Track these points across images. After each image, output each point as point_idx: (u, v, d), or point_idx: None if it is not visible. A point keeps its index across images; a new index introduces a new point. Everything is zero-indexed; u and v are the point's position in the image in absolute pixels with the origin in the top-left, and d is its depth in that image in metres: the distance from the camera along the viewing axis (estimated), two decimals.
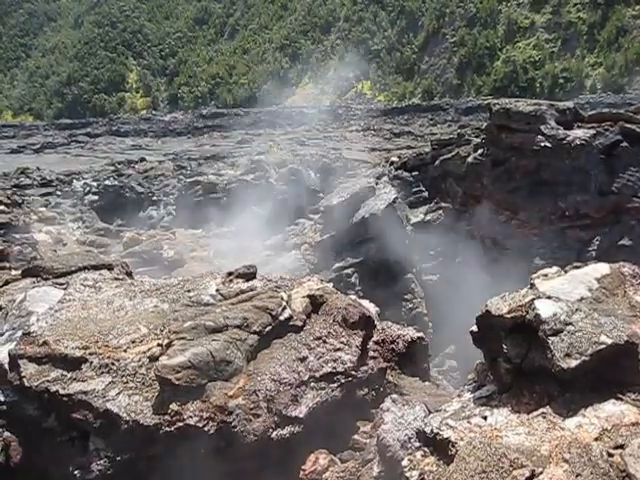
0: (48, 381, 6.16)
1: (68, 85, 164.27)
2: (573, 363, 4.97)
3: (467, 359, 8.92)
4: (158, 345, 6.31)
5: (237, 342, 6.21)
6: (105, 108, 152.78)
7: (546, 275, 6.22)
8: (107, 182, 30.72)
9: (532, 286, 5.98)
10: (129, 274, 9.05)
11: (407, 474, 5.23)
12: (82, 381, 6.12)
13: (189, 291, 7.42)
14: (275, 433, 5.86)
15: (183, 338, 6.19)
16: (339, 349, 6.63)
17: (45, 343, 6.48)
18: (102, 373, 6.18)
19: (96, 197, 29.54)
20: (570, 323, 5.23)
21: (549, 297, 5.61)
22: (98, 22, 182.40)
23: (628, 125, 16.43)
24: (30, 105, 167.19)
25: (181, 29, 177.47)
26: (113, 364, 6.22)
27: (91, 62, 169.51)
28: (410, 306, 18.40)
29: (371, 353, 7.30)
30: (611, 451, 4.53)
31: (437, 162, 20.32)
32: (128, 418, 5.74)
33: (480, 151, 18.02)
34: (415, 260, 19.23)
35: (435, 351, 16.33)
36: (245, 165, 28.53)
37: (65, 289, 7.83)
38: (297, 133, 64.14)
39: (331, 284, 7.85)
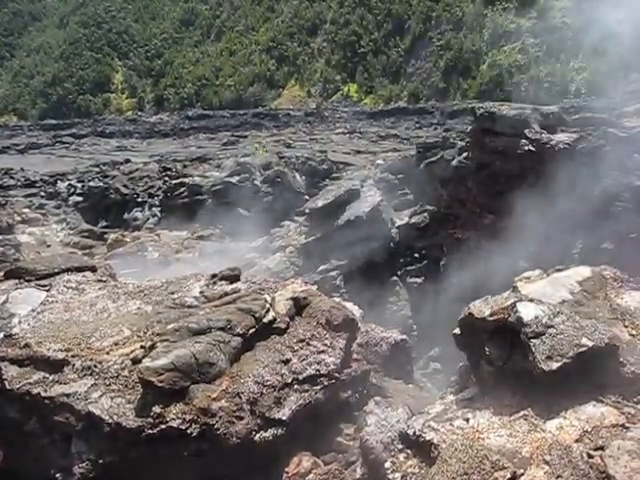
0: (30, 383, 6.13)
1: (53, 85, 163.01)
2: (554, 365, 5.02)
3: (451, 361, 8.95)
4: (141, 347, 6.29)
5: (220, 344, 6.20)
6: (90, 109, 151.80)
7: (529, 278, 6.27)
8: (92, 183, 30.55)
9: (514, 289, 6.02)
10: (113, 276, 9.02)
11: (390, 476, 5.26)
12: (64, 383, 6.09)
13: (173, 293, 7.41)
14: (258, 435, 5.86)
15: (166, 340, 6.17)
16: (322, 351, 6.63)
17: (27, 345, 6.45)
18: (84, 375, 6.15)
19: (80, 198, 29.36)
20: (552, 326, 5.28)
21: (531, 300, 5.66)
22: (83, 22, 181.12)
23: (611, 129, 16.53)
24: (14, 105, 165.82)
25: (167, 30, 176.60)
26: (95, 366, 6.20)
27: (76, 62, 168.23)
28: (395, 308, 18.42)
29: (355, 355, 7.31)
30: (591, 452, 4.57)
31: (422, 165, 20.36)
32: (110, 421, 5.72)
33: (465, 155, 18.08)
34: (400, 262, 19.25)
35: (419, 353, 16.35)
36: (230, 167, 28.40)
37: (48, 291, 7.79)
38: (283, 135, 63.99)
39: (315, 286, 7.86)
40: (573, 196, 16.19)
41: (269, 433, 5.91)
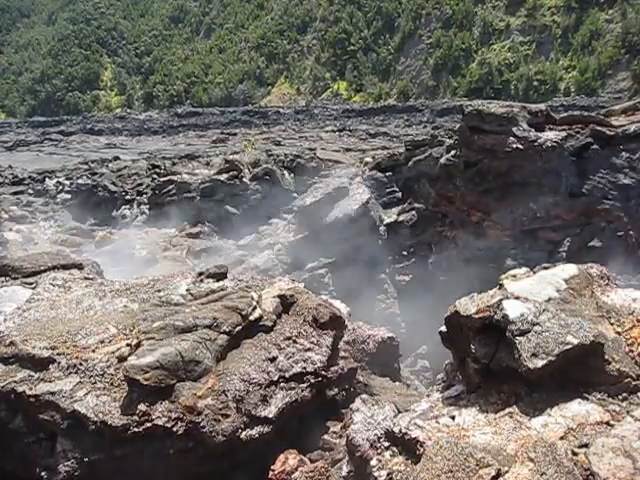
0: (15, 382, 6.09)
1: (41, 82, 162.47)
2: (540, 363, 5.02)
3: (439, 359, 8.97)
4: (127, 345, 6.26)
5: (206, 342, 6.19)
6: (79, 106, 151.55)
7: (515, 276, 6.27)
8: (80, 181, 30.41)
9: (501, 287, 6.01)
10: (100, 274, 8.99)
11: (376, 473, 5.25)
12: (49, 382, 6.06)
13: (159, 291, 7.39)
14: (244, 433, 5.85)
15: (152, 338, 6.16)
16: (309, 349, 6.63)
17: (12, 343, 6.42)
18: (70, 373, 6.12)
19: (69, 196, 29.24)
20: (537, 323, 5.28)
21: (517, 298, 5.66)
22: (72, 19, 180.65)
23: (599, 128, 16.60)
24: (2, 102, 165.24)
25: (157, 27, 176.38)
26: (81, 364, 6.17)
27: (65, 59, 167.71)
28: (383, 306, 18.47)
29: (341, 353, 7.32)
30: (576, 450, 4.58)
31: (410, 163, 20.40)
32: (96, 419, 5.69)
33: (453, 152, 18.11)
34: (388, 260, 19.29)
35: (408, 351, 16.39)
36: (219, 164, 28.38)
37: (34, 289, 7.76)
38: (272, 133, 64.06)
39: (303, 284, 7.85)
40: (561, 194, 16.27)
41: (255, 431, 5.90)
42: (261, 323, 6.71)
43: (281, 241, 20.52)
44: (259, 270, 18.13)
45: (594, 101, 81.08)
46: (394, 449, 5.43)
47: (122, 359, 6.09)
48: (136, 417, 5.67)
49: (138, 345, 6.12)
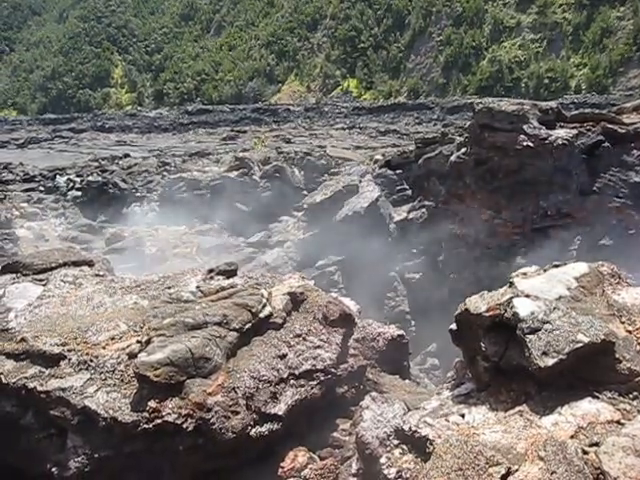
0: (26, 378, 6.11)
1: (52, 80, 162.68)
2: (550, 361, 5.00)
3: (449, 357, 8.95)
4: (137, 342, 6.28)
5: (216, 339, 6.19)
6: (90, 103, 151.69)
7: (525, 274, 6.24)
8: (90, 178, 30.49)
9: (511, 285, 5.99)
10: (110, 270, 9.00)
11: (385, 471, 5.25)
12: (60, 378, 6.08)
13: (169, 288, 7.40)
14: (254, 430, 5.85)
15: (162, 335, 6.16)
16: (319, 347, 6.63)
17: (23, 339, 6.44)
18: (80, 370, 6.14)
19: (79, 193, 29.35)
20: (548, 322, 5.26)
21: (528, 296, 5.64)
22: (83, 16, 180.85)
23: (610, 125, 16.54)
24: (14, 99, 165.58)
25: (167, 25, 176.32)
26: (92, 361, 6.19)
27: (76, 57, 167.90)
28: (393, 304, 18.45)
29: (351, 351, 7.30)
30: (586, 449, 4.56)
31: (420, 161, 20.38)
32: (106, 415, 5.71)
33: (463, 150, 18.07)
34: (398, 258, 19.27)
35: (417, 349, 16.39)
36: (229, 162, 28.45)
37: (45, 285, 7.78)
38: (283, 130, 64.00)
39: (313, 282, 7.85)
40: (572, 192, 16.21)
41: (265, 428, 5.90)
42: (271, 320, 6.71)
43: (291, 238, 20.55)
44: (269, 267, 18.16)
45: (605, 99, 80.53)
46: (404, 447, 5.42)
47: (132, 356, 6.11)
48: (146, 413, 5.68)
49: (148, 342, 6.13)
